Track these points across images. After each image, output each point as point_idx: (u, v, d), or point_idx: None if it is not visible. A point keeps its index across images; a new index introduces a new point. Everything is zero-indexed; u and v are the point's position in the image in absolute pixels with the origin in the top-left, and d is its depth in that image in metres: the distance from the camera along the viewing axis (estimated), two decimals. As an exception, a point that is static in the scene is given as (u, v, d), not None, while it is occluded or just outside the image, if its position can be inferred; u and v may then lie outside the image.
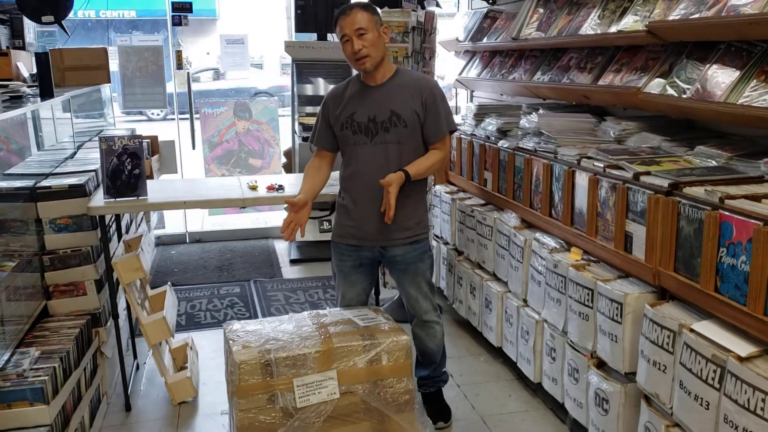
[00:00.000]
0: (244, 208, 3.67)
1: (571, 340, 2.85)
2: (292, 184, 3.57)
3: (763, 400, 1.83)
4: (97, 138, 4.55)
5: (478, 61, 4.95)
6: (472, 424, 3.06)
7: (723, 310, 2.09)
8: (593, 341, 2.67)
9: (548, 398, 3.11)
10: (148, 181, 3.22)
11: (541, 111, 3.69)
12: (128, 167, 2.97)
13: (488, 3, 5.12)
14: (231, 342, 2.62)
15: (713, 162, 2.57)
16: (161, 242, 5.94)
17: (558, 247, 3.06)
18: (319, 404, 2.54)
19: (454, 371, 3.49)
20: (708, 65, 2.68)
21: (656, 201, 2.36)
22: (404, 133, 2.83)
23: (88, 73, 4.81)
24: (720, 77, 2.59)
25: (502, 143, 3.69)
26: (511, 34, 4.19)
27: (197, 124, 6.12)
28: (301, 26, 5.49)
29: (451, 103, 6.55)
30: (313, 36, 5.57)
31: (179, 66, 5.67)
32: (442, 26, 6.08)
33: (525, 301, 3.30)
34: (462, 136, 4.28)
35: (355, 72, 2.96)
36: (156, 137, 5.37)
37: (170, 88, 6.13)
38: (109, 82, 4.85)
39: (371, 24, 2.76)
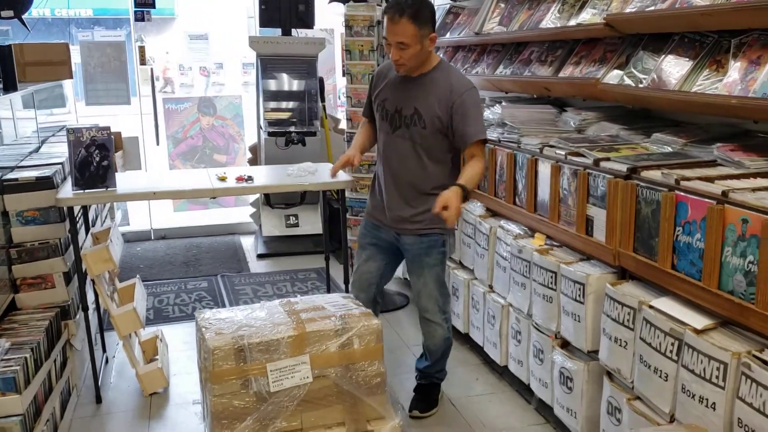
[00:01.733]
0: (214, 198, 3.67)
1: (535, 323, 2.94)
2: (262, 175, 3.60)
3: (718, 369, 1.94)
4: (60, 133, 4.52)
5: (441, 55, 5.03)
6: (442, 407, 3.13)
7: (680, 286, 2.19)
8: (557, 322, 2.76)
9: (514, 380, 3.20)
10: (116, 175, 3.22)
11: (504, 103, 3.78)
12: (96, 159, 2.97)
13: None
14: (204, 329, 2.64)
15: (669, 148, 2.69)
16: (126, 239, 5.90)
17: (522, 233, 3.15)
18: (292, 388, 2.57)
19: (423, 358, 3.56)
20: (663, 56, 2.80)
21: (615, 185, 2.46)
22: (421, 134, 2.81)
23: (50, 68, 4.74)
24: (674, 67, 2.71)
25: (467, 135, 3.77)
26: (474, 29, 4.29)
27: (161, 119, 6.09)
28: (265, 22, 5.50)
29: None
30: (278, 31, 5.59)
31: (142, 62, 5.64)
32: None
33: (491, 287, 3.39)
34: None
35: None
36: (119, 133, 5.34)
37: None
38: (71, 77, 4.79)
39: (414, 38, 2.67)
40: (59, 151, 3.67)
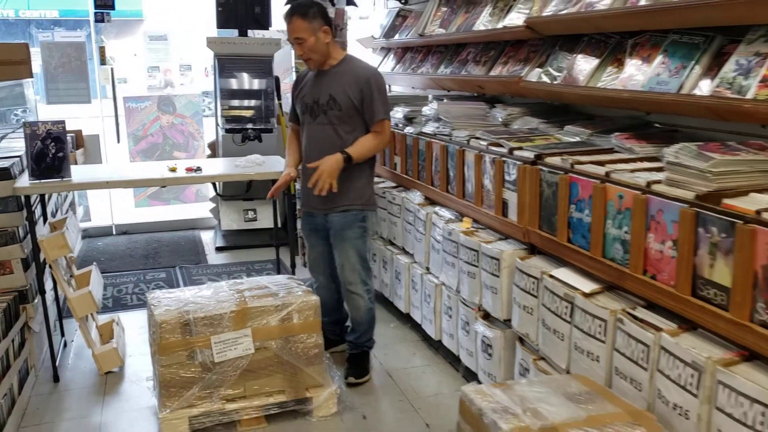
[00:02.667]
0: (164, 186, 3.88)
1: (462, 298, 3.21)
2: (211, 166, 3.83)
3: (600, 326, 2.22)
4: (18, 129, 4.69)
5: (392, 56, 5.30)
6: (380, 378, 3.38)
7: (574, 257, 2.48)
8: (479, 296, 3.04)
9: (448, 353, 3.47)
10: (73, 167, 3.43)
11: (445, 100, 4.06)
12: (52, 150, 3.18)
13: (400, 3, 5.48)
14: (153, 306, 2.87)
15: (577, 138, 2.98)
16: (88, 235, 6.06)
17: (453, 218, 3.42)
18: (235, 359, 2.82)
19: (367, 336, 3.82)
20: (575, 55, 3.09)
21: (524, 170, 2.74)
22: (338, 115, 3.15)
23: (9, 67, 4.91)
24: (583, 65, 3.00)
25: (408, 129, 4.04)
26: (418, 31, 4.56)
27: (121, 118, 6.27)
28: (222, 23, 5.71)
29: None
30: (235, 32, 5.81)
31: (102, 62, 5.81)
32: (360, 24, 6.42)
33: (427, 268, 3.65)
34: (374, 124, 4.61)
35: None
36: (80, 131, 5.52)
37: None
38: (31, 76, 4.95)
39: (308, 31, 3.06)
40: (18, 146, 3.86)
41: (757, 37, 2.21)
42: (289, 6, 3.14)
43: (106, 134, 5.97)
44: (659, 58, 2.56)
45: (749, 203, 1.82)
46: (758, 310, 1.74)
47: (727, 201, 1.86)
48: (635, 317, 2.11)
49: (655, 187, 2.09)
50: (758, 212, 1.75)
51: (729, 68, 2.24)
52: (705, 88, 2.32)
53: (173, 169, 3.51)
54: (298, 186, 3.82)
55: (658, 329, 2.00)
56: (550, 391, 2.05)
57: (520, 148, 2.88)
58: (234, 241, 5.74)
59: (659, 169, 2.23)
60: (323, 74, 3.21)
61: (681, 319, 2.03)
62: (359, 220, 3.24)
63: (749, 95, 2.10)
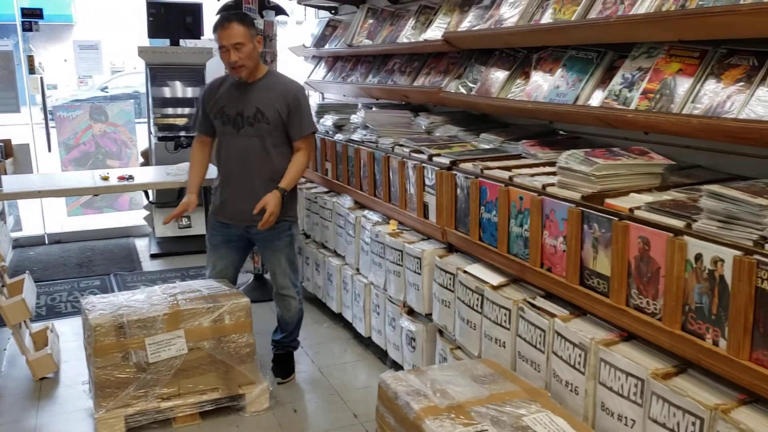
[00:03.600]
0: (97, 195, 3.96)
1: (389, 296, 3.41)
2: (143, 174, 3.93)
3: (506, 315, 2.45)
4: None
5: (323, 65, 5.47)
6: (312, 374, 3.56)
7: (485, 254, 2.71)
8: (404, 293, 3.25)
9: (377, 349, 3.66)
10: (3, 177, 3.49)
11: (373, 108, 4.26)
12: (-15, 162, 3.24)
13: (331, 13, 5.66)
14: (87, 311, 2.98)
15: (491, 145, 3.22)
16: (18, 244, 6.02)
17: (380, 221, 3.62)
18: (169, 359, 2.95)
19: (300, 336, 3.96)
20: (487, 68, 3.33)
21: (441, 175, 2.96)
22: (266, 129, 3.24)
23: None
24: (495, 77, 3.24)
25: (338, 136, 4.23)
26: (347, 41, 4.75)
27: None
28: (153, 32, 5.79)
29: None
30: (167, 41, 5.89)
31: (31, 71, 5.80)
32: (292, 34, 6.58)
33: (357, 269, 3.84)
34: (305, 132, 4.78)
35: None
36: (9, 140, 5.50)
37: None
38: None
39: (247, 37, 3.13)
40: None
41: (639, 54, 2.48)
42: (224, 13, 3.23)
43: (36, 143, 5.95)
44: (559, 72, 2.82)
45: (627, 202, 2.07)
46: (633, 296, 1.99)
47: (608, 201, 2.11)
48: (534, 306, 2.35)
49: (549, 189, 2.33)
50: (631, 210, 2.00)
51: (616, 81, 2.50)
52: (597, 99, 2.58)
53: (105, 178, 3.60)
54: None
55: (552, 316, 2.24)
56: (458, 374, 2.27)
57: (439, 155, 3.10)
58: (168, 248, 5.81)
59: (556, 173, 2.47)
60: (246, 86, 3.26)
61: (573, 306, 2.27)
62: (287, 230, 3.39)
63: (632, 106, 2.36)
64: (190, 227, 5.79)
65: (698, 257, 1.72)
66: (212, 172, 3.58)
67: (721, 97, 2.06)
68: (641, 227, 1.91)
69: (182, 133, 5.60)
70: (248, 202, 3.23)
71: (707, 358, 1.72)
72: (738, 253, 1.62)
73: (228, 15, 3.22)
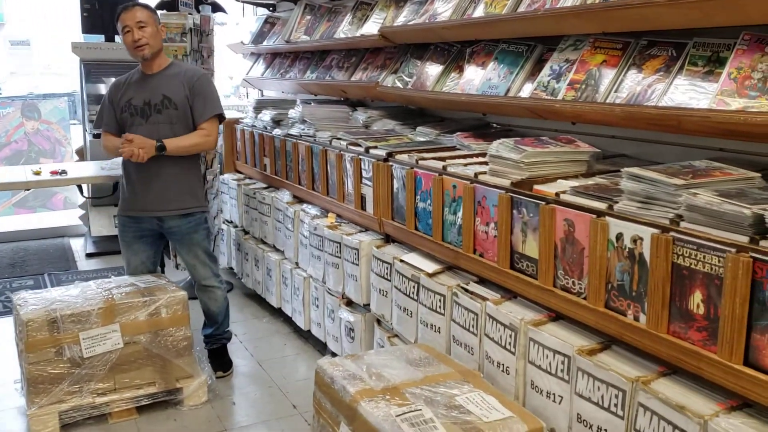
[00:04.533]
0: (28, 190, 3.87)
1: (328, 288, 3.43)
2: (77, 169, 3.85)
3: (440, 301, 2.50)
4: None
5: (261, 62, 5.46)
6: (251, 368, 3.55)
7: (421, 243, 2.76)
8: (342, 284, 3.27)
9: (317, 342, 3.68)
10: (-70, 172, 3.38)
11: (312, 104, 4.27)
12: None
13: (269, 10, 5.65)
14: (19, 306, 2.91)
15: (427, 138, 3.27)
16: (-53, 245, 5.83)
17: (319, 214, 3.64)
18: (104, 353, 2.91)
19: (239, 331, 3.96)
20: (423, 62, 3.39)
21: (377, 166, 3.00)
22: (175, 114, 3.28)
23: None
24: (430, 71, 3.30)
25: (276, 131, 4.23)
26: (284, 37, 4.75)
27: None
28: (88, 28, 5.67)
29: (242, 102, 7.01)
30: (101, 38, 5.78)
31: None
32: (231, 31, 6.53)
33: (297, 263, 3.85)
34: (244, 127, 4.77)
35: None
36: (-64, 138, 5.32)
37: None
38: None
39: (150, 19, 3.24)
40: None
41: (567, 46, 2.57)
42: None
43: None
44: (491, 65, 2.89)
45: (554, 188, 2.14)
46: (559, 277, 2.06)
47: (537, 187, 2.18)
48: (467, 291, 2.40)
49: (481, 177, 2.39)
50: (557, 194, 2.07)
51: (545, 73, 2.58)
52: (527, 91, 2.66)
53: (38, 173, 3.52)
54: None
55: (484, 299, 2.30)
56: (393, 358, 2.31)
57: (375, 147, 3.13)
58: (105, 246, 5.69)
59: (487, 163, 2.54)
60: (151, 78, 3.31)
61: (505, 290, 2.34)
62: (202, 222, 3.42)
63: (559, 96, 2.44)
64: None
65: (619, 237, 1.80)
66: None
67: (643, 86, 2.15)
68: (566, 210, 1.98)
69: (118, 130, 5.49)
70: (159, 192, 3.26)
71: (629, 334, 1.80)
72: (655, 231, 1.70)
73: (132, 2, 3.34)
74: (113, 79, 5.73)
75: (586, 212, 1.91)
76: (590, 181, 2.17)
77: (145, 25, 3.20)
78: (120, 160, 3.43)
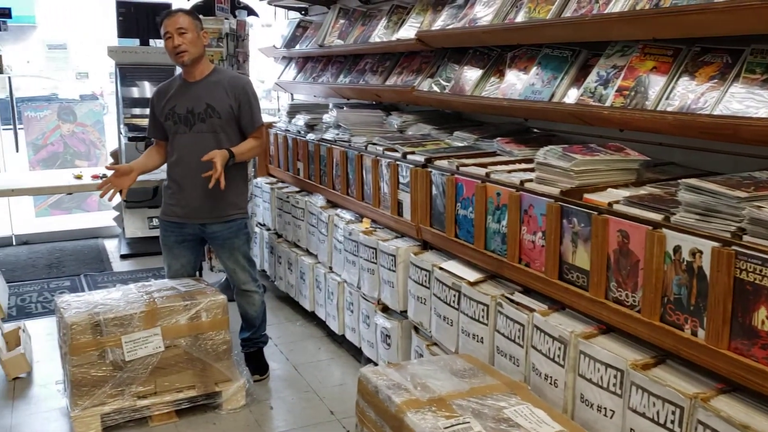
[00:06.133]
0: (71, 194, 3.91)
1: (363, 293, 3.42)
2: (117, 174, 3.88)
3: (483, 311, 2.48)
4: None
5: (293, 66, 5.46)
6: (287, 372, 3.55)
7: (461, 251, 2.73)
8: (378, 290, 3.26)
9: (351, 347, 3.67)
10: (-27, 175, 3.43)
11: (344, 108, 4.26)
12: (-46, 159, 3.18)
13: (301, 14, 5.65)
14: (62, 309, 2.93)
15: (465, 143, 3.25)
16: (-15, 246, 5.92)
17: (353, 219, 3.63)
18: (145, 357, 2.92)
19: (274, 335, 3.97)
20: (461, 66, 3.36)
21: (415, 172, 2.98)
22: (218, 123, 3.27)
23: None
24: (469, 76, 3.27)
25: (310, 136, 4.23)
26: (318, 41, 4.74)
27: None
28: (123, 32, 5.72)
29: (273, 105, 7.03)
30: (137, 41, 5.83)
31: (-1, 70, 5.70)
32: (262, 34, 6.55)
33: (330, 268, 3.84)
34: (278, 132, 4.78)
35: (179, 71, 3.40)
36: (-25, 140, 5.40)
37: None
38: None
39: (191, 26, 3.23)
40: None
41: (614, 52, 2.53)
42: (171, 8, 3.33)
43: (3, 144, 5.84)
44: (534, 70, 2.86)
45: (606, 197, 2.11)
46: (612, 289, 2.03)
47: (587, 195, 2.15)
48: (512, 301, 2.37)
49: (527, 185, 2.36)
50: (610, 204, 2.03)
51: (591, 79, 2.55)
52: (572, 96, 2.63)
53: (79, 177, 3.56)
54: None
55: (531, 310, 2.27)
56: (438, 368, 2.28)
57: (413, 153, 3.11)
58: (139, 248, 5.74)
59: (533, 170, 2.50)
60: (194, 85, 3.30)
61: (552, 301, 2.30)
62: (243, 227, 3.43)
63: (608, 103, 2.40)
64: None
65: (677, 249, 1.76)
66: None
67: (695, 94, 2.11)
68: (620, 221, 1.94)
69: (152, 133, 5.54)
70: (203, 199, 3.27)
71: (686, 348, 1.76)
72: (716, 244, 1.66)
73: (175, 8, 3.36)
74: (146, 83, 5.84)
75: (642, 223, 1.87)
76: (642, 191, 2.13)
77: (185, 31, 3.20)
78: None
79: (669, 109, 2.16)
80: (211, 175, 3.04)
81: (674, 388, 1.73)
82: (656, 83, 2.26)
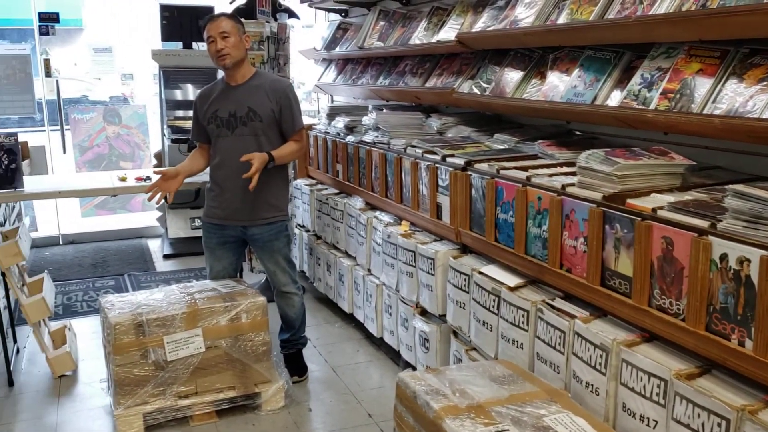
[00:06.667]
0: (115, 196, 3.98)
1: (402, 296, 3.42)
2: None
3: (523, 316, 2.45)
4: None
5: (333, 67, 5.48)
6: (325, 374, 3.57)
7: (501, 255, 2.71)
8: (417, 293, 3.25)
9: (389, 350, 3.67)
10: (24, 177, 3.52)
11: (383, 110, 4.27)
12: (5, 162, 3.27)
13: (341, 15, 5.67)
14: (107, 309, 2.99)
15: (505, 145, 3.22)
16: (34, 245, 6.05)
17: (392, 222, 3.63)
18: (187, 357, 2.96)
19: (312, 336, 3.99)
20: (502, 68, 3.33)
21: (455, 176, 2.96)
22: (260, 126, 3.30)
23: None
24: (510, 77, 3.24)
25: (349, 138, 4.24)
26: (358, 43, 4.75)
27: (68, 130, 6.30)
28: (167, 35, 5.82)
29: (312, 107, 7.08)
30: (180, 44, 5.92)
31: (47, 74, 5.84)
32: (301, 36, 6.59)
33: (369, 270, 3.85)
34: (317, 134, 4.81)
35: (221, 74, 3.44)
36: (26, 142, 5.53)
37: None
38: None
39: (234, 30, 3.26)
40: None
41: (658, 54, 2.47)
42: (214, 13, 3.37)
43: (51, 145, 5.99)
44: (576, 72, 2.82)
45: (649, 202, 2.07)
46: (655, 296, 1.99)
47: (630, 201, 2.11)
48: (553, 307, 2.34)
49: (569, 190, 2.33)
50: (654, 210, 1.99)
51: (635, 81, 2.50)
52: (615, 99, 2.58)
53: (123, 179, 3.62)
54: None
55: (572, 317, 2.24)
56: (476, 374, 2.27)
57: (453, 156, 3.10)
58: (181, 248, 5.83)
59: (574, 173, 2.47)
60: (236, 89, 3.33)
61: (593, 308, 2.27)
62: (284, 230, 3.45)
63: (652, 106, 2.36)
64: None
65: (723, 257, 1.72)
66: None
67: (744, 97, 2.05)
68: (665, 227, 1.90)
69: (195, 135, 5.63)
70: (244, 202, 3.30)
71: (733, 359, 1.72)
72: (765, 252, 1.62)
73: (218, 12, 3.41)
74: (189, 85, 5.93)
75: (687, 230, 1.83)
76: (687, 196, 2.08)
77: (228, 35, 3.23)
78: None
79: (716, 112, 2.11)
80: (251, 177, 3.07)
81: (720, 400, 1.68)
82: (702, 86, 2.21)
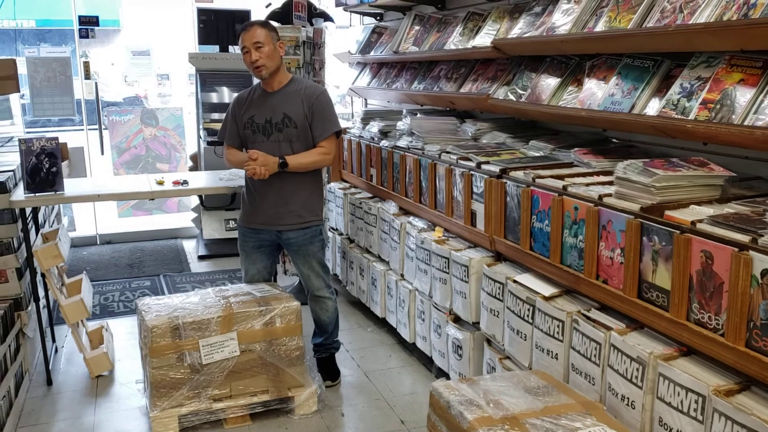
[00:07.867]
0: (152, 199, 4.05)
1: (435, 302, 3.42)
2: (196, 179, 4.00)
3: (558, 326, 2.44)
4: (7, 144, 4.83)
5: (368, 71, 5.50)
6: (358, 379, 3.58)
7: (536, 264, 2.70)
8: (450, 300, 3.25)
9: (422, 355, 3.67)
10: (64, 180, 3.59)
11: (418, 115, 4.27)
12: (46, 165, 3.34)
13: (376, 19, 5.69)
14: (143, 312, 3.05)
15: (541, 153, 3.20)
16: (73, 244, 6.18)
17: (425, 227, 3.63)
18: (222, 361, 3.00)
19: (345, 340, 4.01)
20: (538, 75, 3.32)
21: (490, 183, 2.96)
22: (295, 133, 3.33)
23: (-3, 83, 5.03)
24: (546, 84, 3.22)
25: (383, 143, 4.25)
26: (393, 48, 4.76)
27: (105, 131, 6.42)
28: (203, 39, 5.90)
29: (346, 110, 7.11)
30: (216, 48, 6.00)
31: (87, 76, 5.96)
32: (336, 39, 6.62)
33: (402, 275, 3.85)
34: (351, 138, 4.83)
35: (256, 80, 3.48)
36: (65, 144, 5.64)
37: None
38: (18, 91, 5.08)
39: (268, 39, 3.28)
40: (9, 159, 4.01)
41: (698, 63, 2.44)
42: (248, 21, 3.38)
43: (89, 146, 6.11)
44: (614, 80, 2.79)
45: (688, 215, 2.04)
46: (693, 310, 1.96)
47: (668, 213, 2.08)
48: (589, 318, 2.32)
49: (606, 200, 2.31)
50: (693, 223, 1.97)
51: (674, 90, 2.47)
52: (653, 108, 2.55)
53: (161, 182, 3.68)
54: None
55: (608, 329, 2.22)
56: (511, 385, 2.26)
57: (488, 162, 3.09)
58: (216, 249, 5.91)
59: (612, 183, 2.45)
60: (272, 95, 3.36)
61: (629, 320, 2.25)
62: (318, 234, 3.47)
63: (691, 116, 2.33)
64: (236, 229, 5.88)
65: (765, 273, 1.69)
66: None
67: (787, 109, 2.02)
68: (704, 241, 1.88)
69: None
70: (279, 207, 3.33)
71: (773, 376, 1.69)
72: (807, 270, 1.59)
73: (251, 21, 3.42)
74: (225, 88, 6.00)
75: (727, 244, 1.81)
76: (726, 208, 2.05)
77: (262, 45, 3.24)
78: (241, 171, 3.54)
79: (758, 123, 2.08)
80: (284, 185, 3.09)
81: (760, 418, 1.66)
82: (744, 96, 2.17)
